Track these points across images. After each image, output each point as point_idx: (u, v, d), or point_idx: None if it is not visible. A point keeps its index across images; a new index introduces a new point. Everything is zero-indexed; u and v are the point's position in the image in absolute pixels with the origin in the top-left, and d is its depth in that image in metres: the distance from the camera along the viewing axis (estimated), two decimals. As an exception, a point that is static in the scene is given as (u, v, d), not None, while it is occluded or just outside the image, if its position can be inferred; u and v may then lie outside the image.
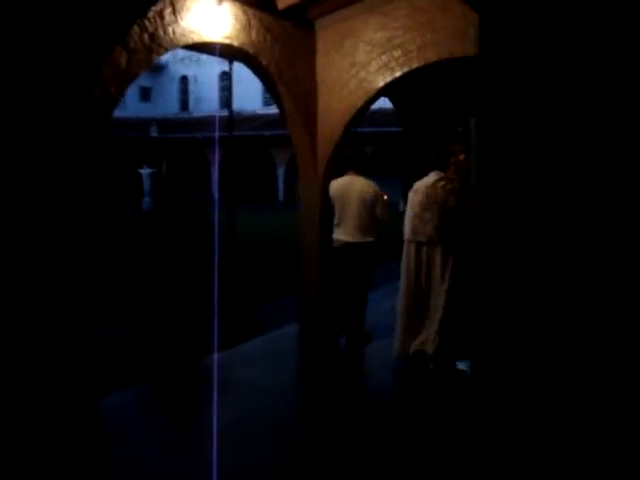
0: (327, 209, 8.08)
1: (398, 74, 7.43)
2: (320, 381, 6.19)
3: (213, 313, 7.27)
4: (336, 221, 7.20)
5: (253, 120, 33.61)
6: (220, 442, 4.60)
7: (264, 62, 6.82)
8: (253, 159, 34.39)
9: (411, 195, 6.55)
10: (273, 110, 34.96)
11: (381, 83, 7.56)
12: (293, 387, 6.07)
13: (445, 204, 6.27)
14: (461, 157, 6.56)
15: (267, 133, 32.33)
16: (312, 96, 7.83)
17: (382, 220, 7.14)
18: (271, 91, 7.55)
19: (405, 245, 6.54)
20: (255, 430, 4.96)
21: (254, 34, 6.58)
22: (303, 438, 4.88)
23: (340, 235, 7.16)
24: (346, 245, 7.09)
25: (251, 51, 6.57)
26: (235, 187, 11.86)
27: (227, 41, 6.20)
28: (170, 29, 5.46)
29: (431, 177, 6.51)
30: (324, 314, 8.20)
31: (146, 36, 5.24)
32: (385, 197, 7.17)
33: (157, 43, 5.35)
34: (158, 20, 5.35)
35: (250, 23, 6.50)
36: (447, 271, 6.29)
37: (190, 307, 7.99)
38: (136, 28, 5.17)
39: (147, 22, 5.25)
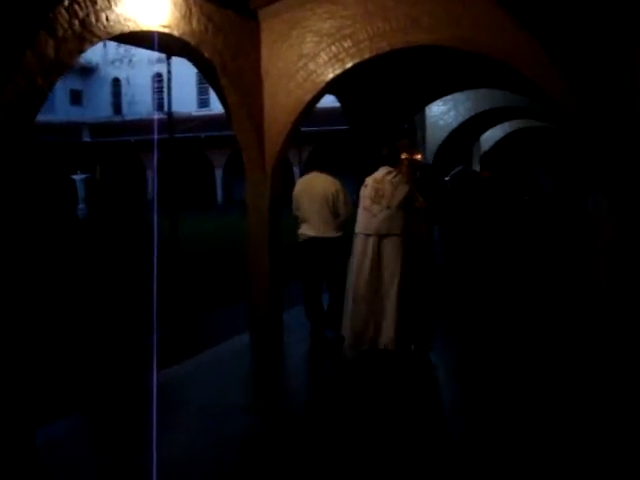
0: (277, 210, 7.65)
1: (349, 65, 7.03)
2: (274, 398, 5.73)
3: (156, 325, 6.79)
4: (301, 217, 7.43)
5: (188, 122, 32.85)
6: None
7: (207, 54, 6.32)
8: (190, 162, 33.62)
9: (362, 190, 6.70)
10: (208, 111, 34.54)
11: (331, 75, 7.15)
12: (248, 407, 5.56)
13: (393, 197, 6.43)
14: (418, 156, 6.97)
15: (203, 135, 31.66)
16: (258, 91, 7.36)
17: (346, 217, 7.31)
18: (214, 86, 7.05)
19: (355, 238, 6.66)
20: (207, 461, 4.46)
21: (195, 23, 6.07)
22: (263, 465, 4.42)
23: (306, 230, 7.37)
24: (311, 239, 7.31)
25: (192, 42, 6.06)
26: (175, 191, 11.29)
27: (166, 30, 5.68)
28: (103, 15, 4.92)
29: (380, 172, 6.68)
30: (276, 321, 7.73)
31: (76, 23, 4.69)
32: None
33: (89, 31, 4.80)
34: (90, 5, 4.80)
35: (191, 11, 5.99)
36: (399, 264, 6.42)
37: (132, 319, 7.41)
38: (65, 13, 4.61)
39: (77, 7, 4.70)
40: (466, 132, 16.56)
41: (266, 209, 7.54)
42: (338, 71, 7.10)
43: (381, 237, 6.45)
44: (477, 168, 14.97)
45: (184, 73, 33.88)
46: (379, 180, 6.59)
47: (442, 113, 15.36)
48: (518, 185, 11.78)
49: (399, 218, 6.44)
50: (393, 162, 6.70)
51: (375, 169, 6.80)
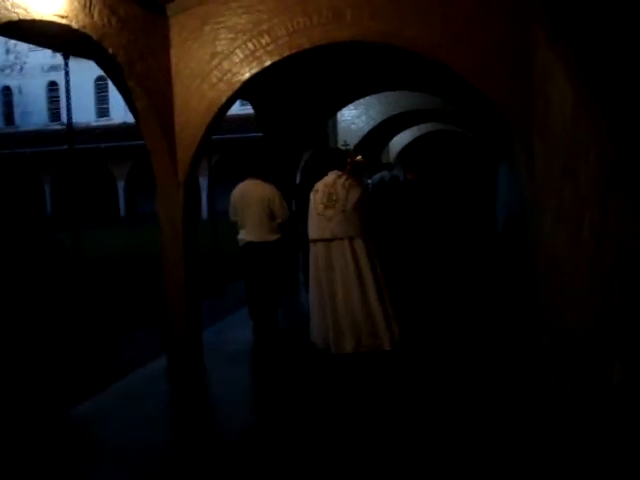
0: (191, 222, 7.04)
1: (267, 64, 6.51)
2: (194, 436, 5.10)
3: (61, 354, 6.09)
4: (240, 223, 7.67)
5: (88, 132, 31.51)
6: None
7: (110, 50, 5.65)
8: (90, 174, 32.23)
9: (312, 195, 6.74)
10: (108, 121, 33.23)
11: (247, 75, 6.61)
12: (165, 447, 4.92)
13: (347, 200, 6.50)
14: (358, 158, 7.01)
15: (104, 145, 30.39)
16: (168, 93, 6.72)
17: (283, 220, 7.57)
18: (120, 89, 6.36)
19: (311, 245, 6.70)
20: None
21: (96, 15, 5.41)
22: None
23: (244, 235, 7.60)
24: (248, 244, 7.55)
25: (94, 36, 5.38)
26: (76, 205, 10.52)
27: (64, 21, 4.99)
28: (-13, 2, 4.24)
29: (330, 176, 6.74)
30: (194, 344, 7.10)
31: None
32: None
33: (-30, 19, 4.11)
34: (-30, -11, 4.11)
35: (91, 1, 5.32)
36: (368, 264, 6.51)
37: (34, 347, 6.63)
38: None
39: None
40: (378, 136, 16.33)
41: (179, 221, 6.91)
42: (255, 70, 6.57)
43: (345, 240, 6.51)
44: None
45: (81, 81, 32.87)
46: (330, 184, 6.63)
47: (354, 117, 15.03)
48: (441, 186, 12.10)
49: (356, 220, 6.51)
50: (341, 166, 6.77)
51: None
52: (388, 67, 9.73)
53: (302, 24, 6.30)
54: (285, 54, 6.43)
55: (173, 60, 6.75)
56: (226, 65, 6.64)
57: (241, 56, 6.58)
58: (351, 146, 14.36)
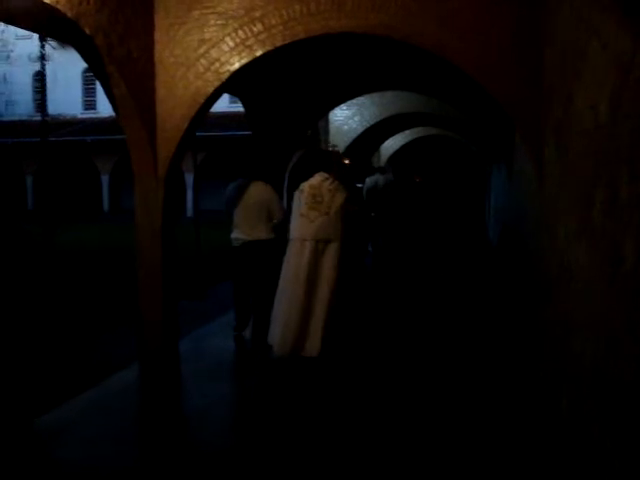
0: (171, 222, 6.56)
1: (259, 53, 6.05)
2: (167, 456, 4.63)
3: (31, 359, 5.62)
4: (235, 222, 7.46)
5: (73, 125, 30.85)
6: None
7: (87, 30, 5.15)
8: (74, 167, 31.58)
9: (297, 195, 6.70)
10: (95, 114, 32.55)
11: (237, 65, 6.15)
12: (136, 468, 4.44)
13: (332, 203, 6.49)
14: (346, 161, 7.53)
15: (89, 139, 29.73)
16: (150, 81, 6.24)
17: (279, 220, 7.40)
18: (98, 75, 5.86)
19: (290, 243, 6.64)
20: None
21: (72, -9, 4.92)
22: None
23: (238, 234, 7.42)
24: (244, 243, 7.37)
25: (69, 13, 4.88)
26: (54, 199, 10.04)
27: (34, -5, 4.51)
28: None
29: (316, 178, 6.71)
30: (170, 353, 6.61)
31: None
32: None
33: None
34: None
35: (66, -25, 4.84)
36: (334, 270, 6.48)
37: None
38: None
39: None
40: (370, 139, 15.88)
41: (159, 221, 6.42)
42: (245, 60, 6.11)
43: (319, 242, 6.48)
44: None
45: (69, 73, 32.29)
46: (316, 186, 6.60)
47: (347, 118, 14.54)
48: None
49: (337, 224, 6.50)
50: (328, 168, 6.76)
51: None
52: (386, 64, 9.30)
53: (298, 12, 5.85)
54: (278, 44, 5.98)
55: (157, 46, 6.27)
56: (214, 53, 6.18)
57: (231, 44, 6.12)
58: (339, 147, 13.93)
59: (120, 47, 5.66)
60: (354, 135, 14.64)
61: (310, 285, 6.47)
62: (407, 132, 21.01)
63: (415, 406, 5.46)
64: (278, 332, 6.57)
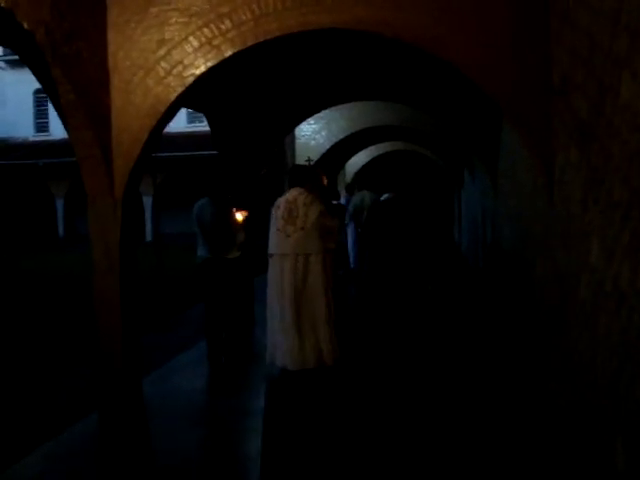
0: (131, 249, 5.78)
1: (228, 54, 5.35)
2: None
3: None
4: (200, 240, 7.61)
5: (24, 148, 29.68)
6: None
7: (26, 24, 4.36)
8: (26, 192, 30.35)
9: (273, 211, 6.66)
10: (47, 137, 31.39)
11: (203, 68, 5.43)
12: None
13: (307, 217, 6.45)
14: (323, 180, 6.97)
15: (42, 162, 28.58)
16: (103, 87, 5.47)
17: (240, 240, 7.75)
18: (42, 78, 5.08)
19: (270, 260, 6.60)
20: None
21: (6, -23, 4.14)
22: None
23: (202, 252, 7.57)
24: (207, 260, 7.52)
25: (3, 2, 4.11)
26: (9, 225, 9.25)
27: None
28: None
29: (292, 193, 6.66)
30: (133, 396, 5.79)
31: None
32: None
33: None
34: None
35: (-1, -43, 4.06)
36: (322, 282, 6.44)
37: None
38: None
39: None
40: (338, 154, 15.25)
41: (116, 247, 5.63)
42: (213, 62, 5.40)
43: (298, 256, 6.43)
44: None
45: (19, 94, 31.12)
46: (291, 201, 6.57)
47: (314, 132, 13.87)
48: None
49: (315, 238, 6.46)
50: (303, 183, 6.70)
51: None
52: (361, 70, 8.67)
53: (272, 6, 5.16)
54: (249, 43, 5.28)
55: (111, 47, 5.51)
56: (176, 55, 5.44)
57: (195, 44, 5.39)
58: (313, 161, 13.27)
59: (67, 46, 4.88)
60: (322, 150, 13.97)
61: (299, 300, 6.40)
62: (372, 148, 20.47)
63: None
64: (279, 354, 6.39)
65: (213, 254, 7.52)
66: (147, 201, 27.97)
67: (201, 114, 9.64)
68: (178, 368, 7.24)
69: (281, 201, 6.67)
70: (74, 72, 5.02)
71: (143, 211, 28.04)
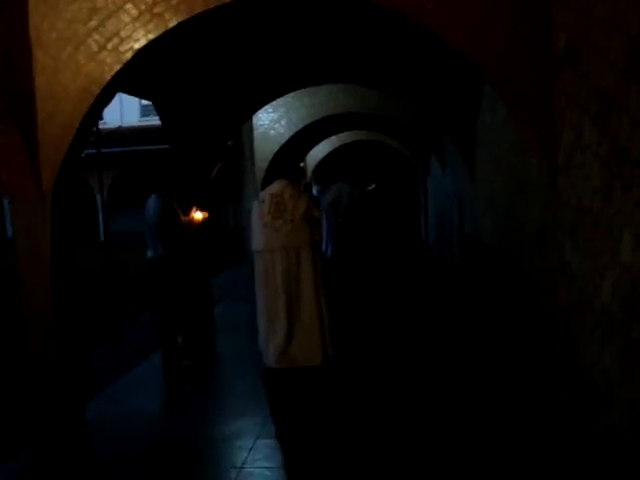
0: (62, 247, 4.96)
1: (173, 24, 4.57)
2: None
3: None
4: (148, 240, 7.10)
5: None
6: None
7: None
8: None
9: (256, 205, 6.60)
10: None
11: (143, 41, 4.64)
12: None
13: (296, 210, 6.39)
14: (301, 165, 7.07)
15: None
16: (25, 65, 4.63)
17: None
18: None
19: (257, 256, 6.55)
20: None
21: None
22: None
23: (150, 252, 7.05)
24: (153, 261, 7.01)
25: None
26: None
27: None
28: None
29: (276, 186, 6.58)
30: (74, 423, 4.97)
31: None
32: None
33: None
34: None
35: None
36: (312, 276, 6.41)
37: None
38: None
39: None
40: (299, 145, 14.45)
41: (46, 249, 4.80)
42: (154, 33, 4.62)
43: (289, 250, 6.39)
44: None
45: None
46: (278, 194, 6.45)
47: (273, 122, 13.03)
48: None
49: (304, 230, 6.43)
50: (286, 176, 6.71)
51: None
52: (324, 48, 7.90)
53: (224, -38, 4.39)
54: (198, 9, 4.51)
55: (33, 18, 4.65)
56: (111, 26, 4.63)
57: (134, 13, 4.60)
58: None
59: (-25, 15, 4.05)
60: (281, 141, 13.13)
61: (291, 295, 6.39)
62: (333, 139, 19.73)
63: None
64: (271, 350, 6.41)
65: (159, 254, 6.94)
66: (99, 199, 26.98)
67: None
68: (130, 385, 6.43)
69: (266, 195, 6.59)
70: (-15, 46, 4.18)
71: (97, 209, 27.04)
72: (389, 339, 7.52)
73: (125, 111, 28.48)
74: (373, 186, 11.29)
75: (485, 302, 7.59)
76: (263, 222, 6.45)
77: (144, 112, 28.68)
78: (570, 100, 3.76)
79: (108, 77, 4.70)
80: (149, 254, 7.04)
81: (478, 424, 4.89)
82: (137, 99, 24.24)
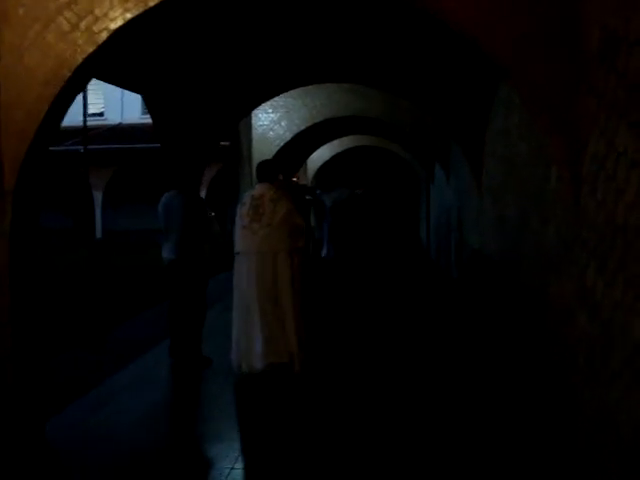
0: (24, 253, 4.46)
1: (153, 2, 4.10)
2: None
3: None
4: (164, 237, 7.05)
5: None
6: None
7: None
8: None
9: (239, 208, 6.57)
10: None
11: (120, 21, 4.14)
12: None
13: (274, 214, 6.30)
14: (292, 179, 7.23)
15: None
16: (-13, 45, 4.15)
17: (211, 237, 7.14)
18: None
19: (236, 257, 6.54)
20: None
21: None
22: None
23: (166, 253, 6.96)
24: (171, 262, 6.90)
25: None
26: None
27: None
28: None
29: (258, 189, 6.53)
30: (30, 442, 4.46)
31: None
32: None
33: None
34: None
35: None
36: (289, 281, 6.37)
37: None
38: None
39: None
40: (300, 147, 13.99)
41: (4, 251, 4.30)
42: (133, 12, 4.12)
43: (265, 255, 6.33)
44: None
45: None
46: (257, 197, 6.44)
47: (272, 122, 12.56)
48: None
49: (282, 235, 6.35)
50: (271, 179, 6.58)
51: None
52: (328, 43, 7.41)
53: None
54: (182, -14, 4.01)
55: (-4, -9, 4.17)
56: (85, 3, 4.13)
57: (108, -12, 4.10)
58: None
59: None
60: (281, 143, 12.69)
61: (266, 299, 6.32)
62: (335, 143, 19.29)
63: None
64: (242, 353, 6.33)
65: (180, 255, 6.80)
66: (98, 196, 26.54)
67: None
68: (109, 395, 5.92)
69: (247, 198, 6.56)
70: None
71: (93, 206, 26.57)
72: (375, 351, 7.39)
73: (126, 108, 28.02)
74: (361, 190, 11.47)
75: (484, 320, 7.10)
76: (242, 224, 6.43)
77: (145, 109, 28.24)
78: (603, 102, 3.26)
79: (80, 59, 4.19)
80: (167, 254, 6.88)
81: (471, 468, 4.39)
82: (139, 96, 23.82)
